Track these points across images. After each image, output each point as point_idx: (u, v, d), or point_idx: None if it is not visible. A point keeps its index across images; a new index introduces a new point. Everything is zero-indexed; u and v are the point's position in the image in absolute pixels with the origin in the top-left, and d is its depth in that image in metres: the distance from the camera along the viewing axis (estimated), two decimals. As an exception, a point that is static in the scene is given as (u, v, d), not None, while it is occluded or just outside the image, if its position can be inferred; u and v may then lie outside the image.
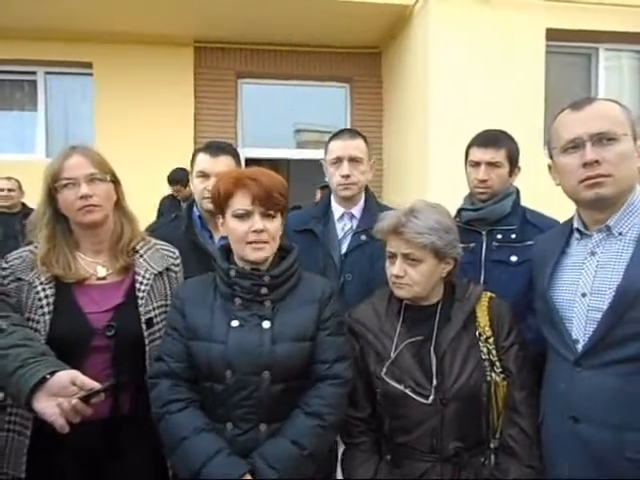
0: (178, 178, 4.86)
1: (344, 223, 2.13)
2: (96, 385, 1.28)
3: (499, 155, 2.00)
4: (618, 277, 1.27)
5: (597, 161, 1.27)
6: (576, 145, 1.32)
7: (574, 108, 1.36)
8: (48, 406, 1.24)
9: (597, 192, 1.30)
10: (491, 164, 2.00)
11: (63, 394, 1.25)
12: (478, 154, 2.02)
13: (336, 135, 2.15)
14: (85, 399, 1.25)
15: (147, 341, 1.58)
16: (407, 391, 1.50)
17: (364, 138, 2.15)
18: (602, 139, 1.28)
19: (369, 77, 6.04)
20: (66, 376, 1.27)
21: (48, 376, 1.26)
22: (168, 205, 4.96)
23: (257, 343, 1.44)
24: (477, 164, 2.03)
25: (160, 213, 4.83)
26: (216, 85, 5.82)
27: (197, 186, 2.07)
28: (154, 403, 1.47)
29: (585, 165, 1.29)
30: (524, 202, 2.12)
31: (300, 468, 1.41)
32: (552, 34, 4.89)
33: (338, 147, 2.09)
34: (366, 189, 2.19)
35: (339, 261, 2.05)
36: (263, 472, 1.37)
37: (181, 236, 2.01)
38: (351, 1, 4.84)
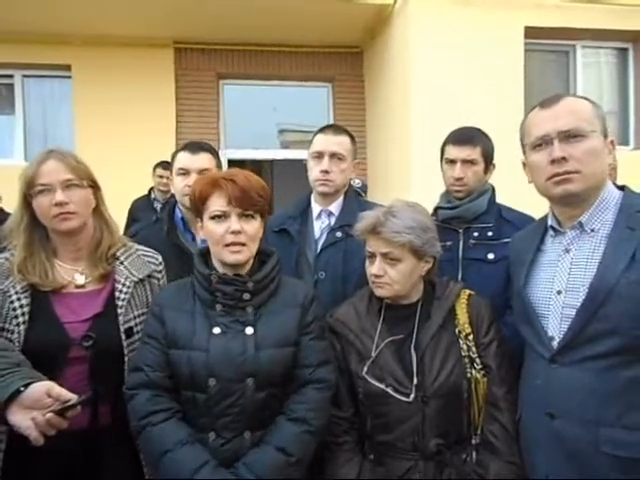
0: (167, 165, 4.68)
1: (322, 221, 2.10)
2: (72, 397, 1.24)
3: (475, 153, 2.01)
4: (591, 274, 1.29)
5: (564, 158, 1.29)
6: (544, 142, 1.34)
7: (543, 106, 1.37)
8: (22, 419, 1.21)
9: (565, 188, 1.32)
10: (467, 162, 2.00)
11: (38, 407, 1.22)
12: (454, 152, 2.02)
13: (322, 129, 2.11)
14: (60, 412, 1.22)
15: (126, 351, 1.53)
16: (388, 390, 1.51)
17: (350, 136, 2.11)
18: (569, 136, 1.30)
19: (351, 76, 6.05)
20: (40, 388, 1.24)
21: (22, 388, 1.23)
22: (142, 208, 4.72)
23: (240, 350, 1.42)
24: (453, 162, 2.03)
25: (132, 218, 4.55)
26: (197, 86, 5.79)
27: (178, 184, 2.05)
28: (133, 415, 1.43)
29: (553, 162, 1.31)
30: (503, 199, 2.13)
31: (287, 476, 1.38)
32: (530, 32, 4.95)
33: (321, 141, 2.06)
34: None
35: (314, 260, 2.02)
36: None
37: (163, 239, 1.99)
38: (331, 1, 4.84)
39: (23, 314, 1.47)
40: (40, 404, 1.23)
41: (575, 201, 1.35)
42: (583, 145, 1.29)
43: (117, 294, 1.58)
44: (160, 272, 1.74)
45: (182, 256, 1.93)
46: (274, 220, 2.10)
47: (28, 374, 1.29)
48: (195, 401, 1.43)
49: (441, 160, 2.12)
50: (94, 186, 1.62)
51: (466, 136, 2.05)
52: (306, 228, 2.09)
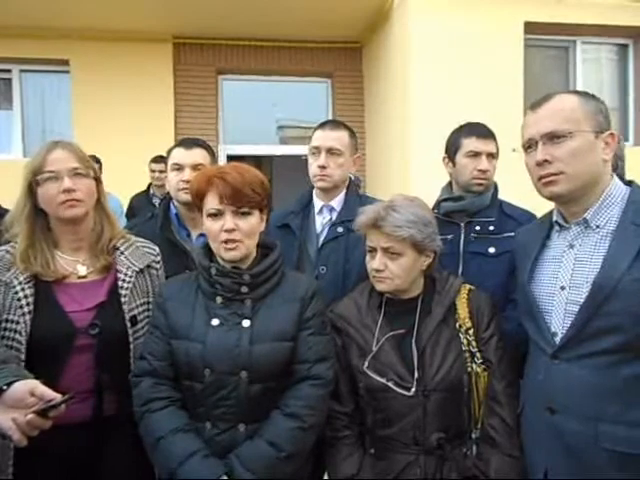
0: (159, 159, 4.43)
1: (323, 216, 2.09)
2: (56, 396, 1.22)
3: (495, 147, 2.05)
4: (595, 270, 1.29)
5: (547, 160, 1.31)
6: (531, 145, 1.36)
7: (532, 108, 1.39)
8: (4, 419, 1.19)
9: (551, 190, 1.33)
10: (490, 155, 2.03)
11: (20, 406, 1.20)
12: (480, 145, 2.02)
13: (320, 125, 2.11)
14: (43, 412, 1.20)
15: (131, 339, 1.56)
16: (389, 384, 1.51)
17: (350, 131, 2.10)
18: (552, 138, 1.31)
19: (350, 72, 6.04)
20: (23, 387, 1.22)
21: (5, 387, 1.21)
22: (141, 203, 4.62)
23: (235, 343, 1.43)
24: (477, 155, 2.01)
25: (131, 213, 4.45)
26: (196, 82, 5.77)
27: (172, 179, 2.05)
28: (135, 401, 1.47)
29: (538, 165, 1.33)
30: (504, 194, 2.13)
31: (277, 470, 1.39)
32: (530, 27, 4.94)
33: (319, 137, 2.06)
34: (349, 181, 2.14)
35: (315, 254, 2.02)
36: (239, 474, 1.36)
37: (158, 234, 1.99)
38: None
39: (28, 304, 1.48)
40: (23, 404, 1.20)
41: (566, 201, 1.36)
42: (566, 146, 1.30)
43: (120, 283, 1.60)
44: (158, 262, 1.76)
45: (176, 252, 1.94)
46: (276, 216, 2.11)
47: (12, 372, 1.27)
48: (193, 390, 1.45)
49: (453, 153, 2.08)
50: (96, 178, 1.63)
51: (487, 131, 2.07)
52: (307, 223, 2.09)
